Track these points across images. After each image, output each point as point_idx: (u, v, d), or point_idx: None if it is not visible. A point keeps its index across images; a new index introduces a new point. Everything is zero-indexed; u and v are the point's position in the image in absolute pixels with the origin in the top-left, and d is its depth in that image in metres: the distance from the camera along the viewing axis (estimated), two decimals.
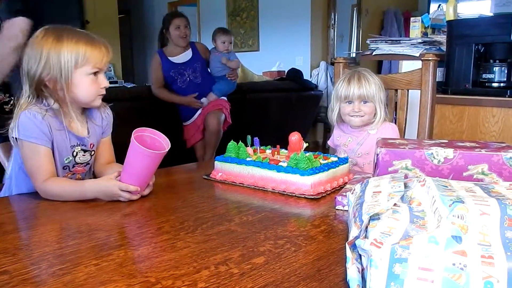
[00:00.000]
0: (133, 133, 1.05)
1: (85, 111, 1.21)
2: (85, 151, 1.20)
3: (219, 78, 3.07)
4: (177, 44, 2.96)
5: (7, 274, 0.66)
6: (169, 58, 2.98)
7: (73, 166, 1.19)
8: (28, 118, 1.09)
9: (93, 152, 1.22)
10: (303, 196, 1.06)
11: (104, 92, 1.17)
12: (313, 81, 4.83)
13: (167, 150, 1.07)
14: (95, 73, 1.13)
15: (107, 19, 6.54)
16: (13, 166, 1.22)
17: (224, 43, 3.04)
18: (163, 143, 1.09)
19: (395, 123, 1.62)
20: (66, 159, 1.17)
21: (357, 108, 1.48)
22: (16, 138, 1.11)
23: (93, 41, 1.13)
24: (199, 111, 3.02)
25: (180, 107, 3.07)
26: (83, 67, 1.10)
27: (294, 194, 1.07)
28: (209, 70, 3.10)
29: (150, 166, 1.06)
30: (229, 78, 3.08)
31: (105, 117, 1.26)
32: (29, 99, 1.12)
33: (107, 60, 1.15)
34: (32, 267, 0.69)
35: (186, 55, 2.99)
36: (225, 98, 3.12)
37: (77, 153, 1.18)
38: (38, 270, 0.68)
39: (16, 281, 0.64)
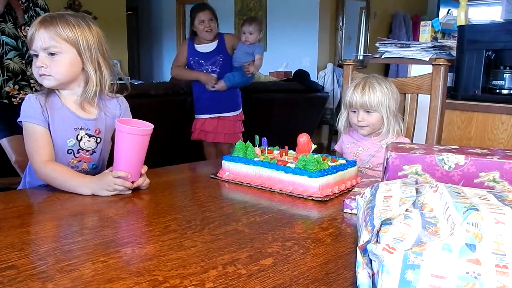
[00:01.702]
0: (116, 120, 1.09)
1: (97, 96, 1.20)
2: (90, 136, 1.20)
3: (236, 69, 2.98)
4: (202, 37, 2.92)
5: (15, 269, 0.66)
6: (195, 45, 2.94)
7: (78, 152, 1.19)
8: (25, 101, 1.15)
9: (99, 139, 1.22)
10: (310, 198, 1.05)
11: (43, 72, 1.12)
12: (319, 83, 4.82)
13: (150, 129, 1.08)
14: (36, 54, 1.14)
15: (115, 15, 6.56)
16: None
17: (244, 33, 2.95)
18: (148, 127, 1.10)
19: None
20: (69, 141, 1.17)
21: (361, 118, 1.44)
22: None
23: (39, 21, 1.13)
24: (212, 115, 2.96)
25: (195, 99, 3.01)
26: (31, 48, 1.14)
27: (301, 196, 1.07)
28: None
29: (136, 147, 1.07)
30: (243, 70, 2.95)
31: (120, 105, 1.28)
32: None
33: (41, 41, 1.11)
34: (40, 262, 0.69)
35: (210, 46, 2.93)
36: (239, 113, 3.04)
37: (81, 137, 1.19)
38: (45, 265, 0.68)
39: (24, 276, 0.64)
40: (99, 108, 1.22)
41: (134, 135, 1.06)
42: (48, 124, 1.14)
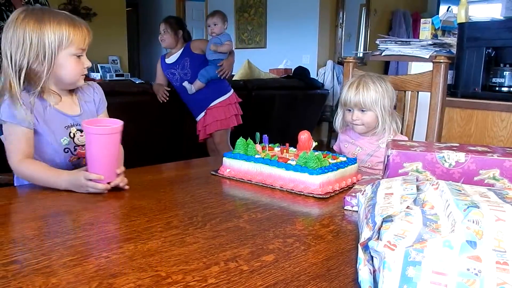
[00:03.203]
0: (82, 121, 1.06)
1: (75, 90, 1.23)
2: (82, 131, 1.20)
3: (211, 63, 3.06)
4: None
5: (18, 264, 0.67)
6: (165, 59, 3.12)
7: (75, 149, 1.19)
8: (9, 101, 1.11)
9: None
10: (311, 195, 1.06)
11: (86, 72, 1.19)
12: (319, 80, 4.82)
13: (118, 127, 1.04)
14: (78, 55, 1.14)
15: (115, 11, 6.55)
16: None
17: (209, 26, 3.09)
18: (115, 125, 1.06)
19: (403, 125, 1.61)
20: (63, 140, 1.18)
21: (355, 116, 1.45)
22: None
23: (74, 22, 1.14)
24: (204, 112, 3.06)
25: (187, 104, 3.12)
26: (67, 48, 1.12)
27: (302, 193, 1.07)
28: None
29: (106, 148, 1.03)
30: (219, 74, 3.04)
31: (97, 92, 1.29)
32: (13, 83, 1.10)
33: (89, 41, 1.16)
34: (43, 257, 0.69)
35: (176, 55, 3.08)
36: (228, 96, 3.09)
37: (74, 134, 1.19)
38: (49, 260, 0.68)
39: (27, 271, 0.64)
40: (78, 99, 1.23)
41: (101, 135, 1.03)
42: (40, 126, 1.13)
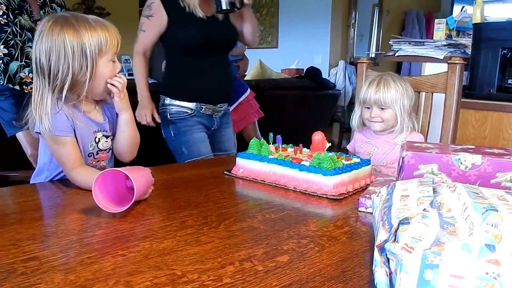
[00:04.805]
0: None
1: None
2: (107, 137, 1.21)
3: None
4: None
5: (37, 260, 0.68)
6: None
7: (97, 153, 1.21)
8: (51, 114, 1.09)
9: (112, 137, 1.24)
10: (325, 196, 1.05)
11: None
12: (331, 80, 4.81)
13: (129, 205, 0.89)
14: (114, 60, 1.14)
15: (128, 11, 6.58)
16: (43, 157, 1.23)
17: None
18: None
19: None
20: (90, 146, 1.18)
21: (374, 114, 1.45)
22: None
23: (107, 26, 1.11)
24: (231, 108, 3.08)
25: None
26: (106, 55, 1.10)
27: (315, 194, 1.07)
28: None
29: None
30: (238, 78, 3.08)
31: None
32: (48, 94, 1.08)
33: (120, 42, 1.14)
34: (61, 254, 0.70)
35: None
36: (247, 95, 3.13)
37: (99, 139, 1.20)
38: (67, 257, 0.69)
39: (46, 268, 0.65)
40: (104, 105, 1.22)
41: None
42: (75, 133, 1.13)
